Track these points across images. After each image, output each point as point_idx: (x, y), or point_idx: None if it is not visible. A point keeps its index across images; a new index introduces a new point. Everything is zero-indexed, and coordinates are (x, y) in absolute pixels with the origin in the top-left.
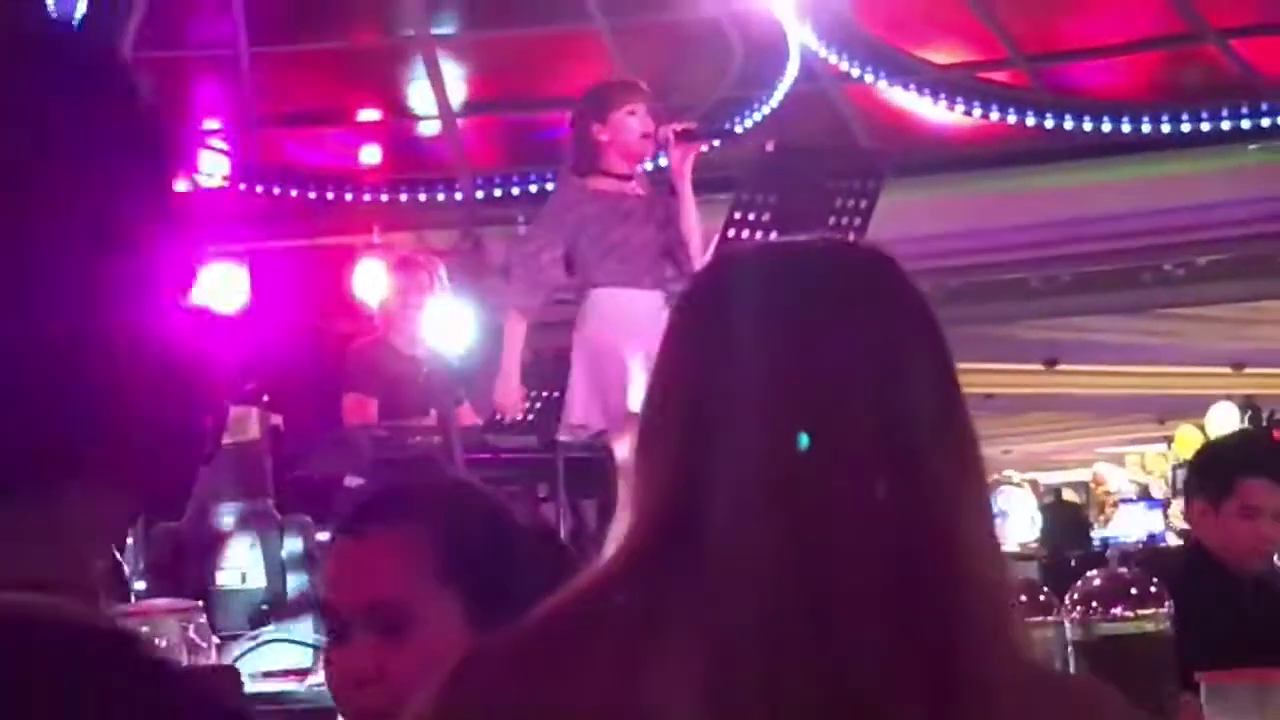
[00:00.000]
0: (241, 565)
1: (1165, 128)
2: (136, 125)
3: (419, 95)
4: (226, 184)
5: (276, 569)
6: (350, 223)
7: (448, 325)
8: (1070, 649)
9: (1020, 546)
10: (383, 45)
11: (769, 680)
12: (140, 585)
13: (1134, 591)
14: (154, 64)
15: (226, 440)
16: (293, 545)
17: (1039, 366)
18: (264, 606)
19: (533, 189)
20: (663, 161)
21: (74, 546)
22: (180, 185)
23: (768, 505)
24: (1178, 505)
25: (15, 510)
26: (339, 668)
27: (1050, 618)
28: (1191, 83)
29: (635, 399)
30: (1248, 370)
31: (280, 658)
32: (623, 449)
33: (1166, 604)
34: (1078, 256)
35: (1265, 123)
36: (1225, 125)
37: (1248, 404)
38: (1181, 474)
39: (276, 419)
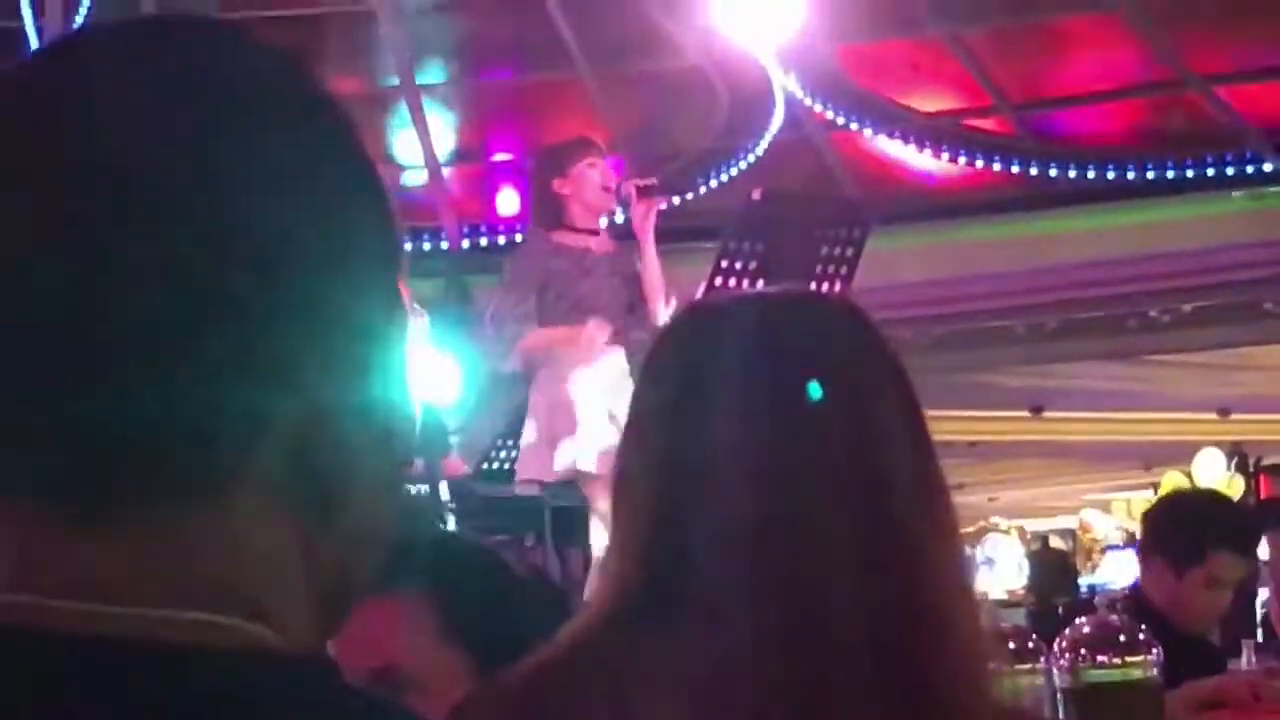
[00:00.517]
0: None
1: (1150, 174)
2: (365, 166)
3: (404, 144)
4: None
5: None
6: None
7: (432, 375)
8: (1059, 696)
9: (1007, 593)
10: (368, 94)
11: None
12: None
13: (1122, 638)
14: None
15: None
16: None
17: (1025, 413)
18: None
19: (518, 238)
20: (619, 218)
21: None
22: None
23: (747, 559)
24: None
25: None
26: None
27: (1038, 664)
28: (1176, 130)
29: (590, 454)
30: (1234, 416)
31: None
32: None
33: (1154, 651)
34: (1063, 303)
35: (1250, 169)
36: (1210, 172)
37: (1234, 450)
38: None
39: None
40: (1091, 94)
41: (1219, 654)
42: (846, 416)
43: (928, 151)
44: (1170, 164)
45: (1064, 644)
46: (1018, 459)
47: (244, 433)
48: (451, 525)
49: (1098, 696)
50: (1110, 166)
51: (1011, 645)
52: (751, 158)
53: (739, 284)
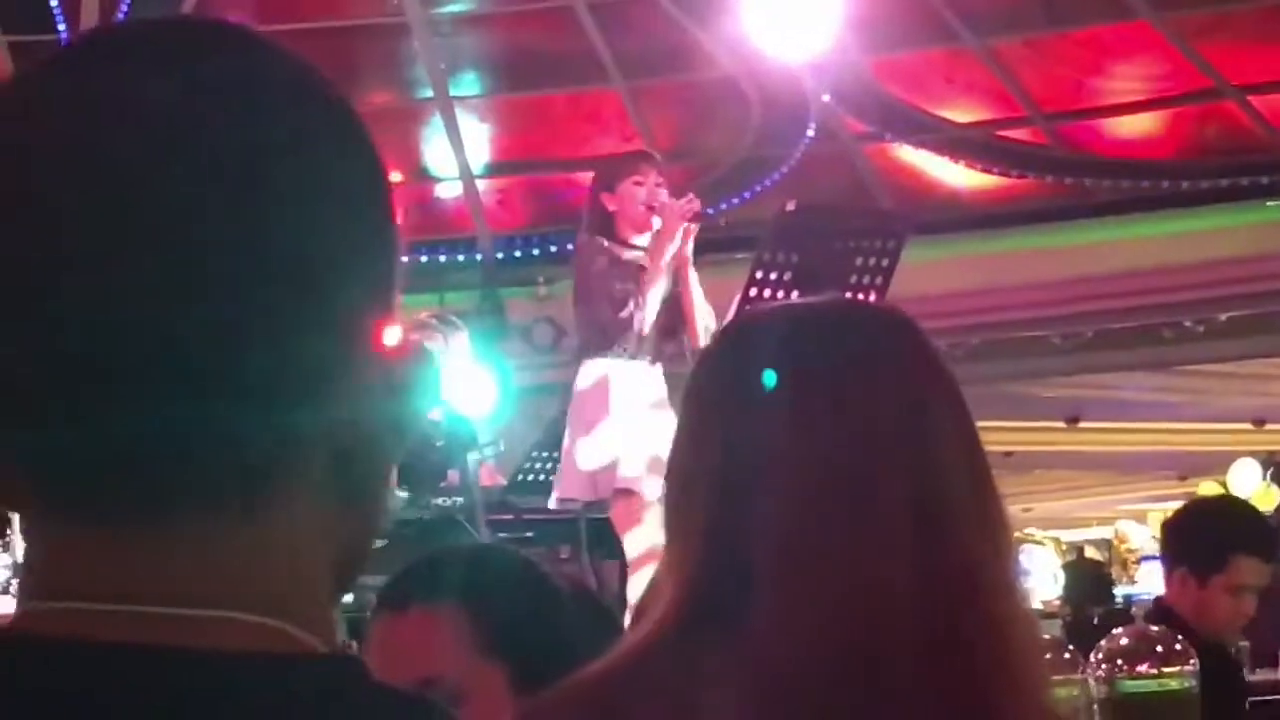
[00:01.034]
0: None
1: (1185, 184)
2: (382, 173)
3: (438, 156)
4: None
5: None
6: None
7: (469, 387)
8: (1095, 707)
9: (1043, 604)
10: (401, 106)
11: None
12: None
13: (1159, 649)
14: None
15: None
16: None
17: (1060, 424)
18: None
19: (553, 249)
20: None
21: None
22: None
23: (806, 572)
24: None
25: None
26: None
27: (1075, 675)
28: (1211, 140)
29: (626, 474)
30: (1269, 426)
31: None
32: (619, 519)
33: (1191, 662)
34: (1098, 314)
35: None
36: (1245, 181)
37: (1269, 460)
38: None
39: None
40: (1126, 104)
41: (1238, 665)
42: (903, 427)
43: (961, 162)
44: (1205, 174)
45: (1100, 655)
46: (1053, 469)
47: (283, 442)
48: (487, 537)
49: (1135, 707)
50: (1145, 177)
51: (1048, 656)
52: (785, 169)
53: (773, 295)
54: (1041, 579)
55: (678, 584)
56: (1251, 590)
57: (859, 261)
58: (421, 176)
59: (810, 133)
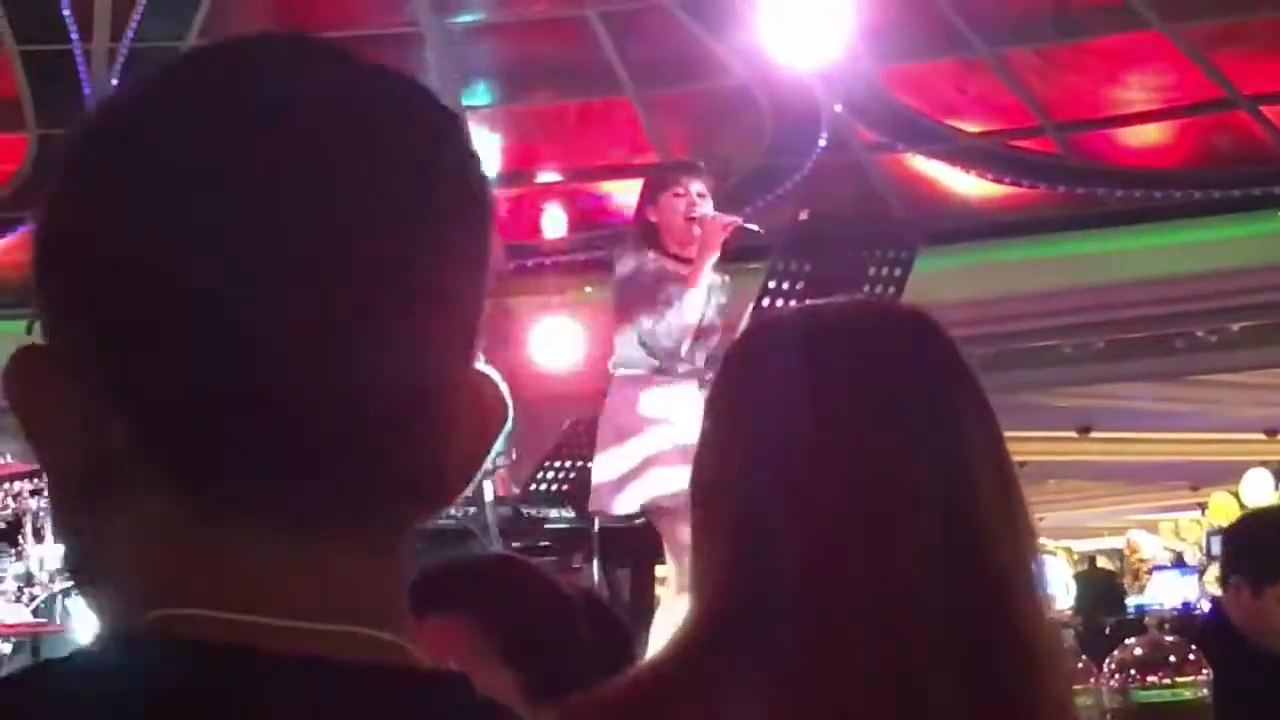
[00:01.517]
0: None
1: (1196, 194)
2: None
3: None
4: None
5: None
6: None
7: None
8: (1108, 717)
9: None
10: None
11: None
12: None
13: (1172, 659)
14: None
15: None
16: None
17: (1072, 434)
18: None
19: (563, 260)
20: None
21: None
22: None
23: (837, 576)
24: (1212, 572)
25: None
26: None
27: (1087, 685)
28: (1223, 149)
29: (663, 489)
30: None
31: None
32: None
33: (1204, 672)
34: (1110, 324)
35: None
36: (1257, 191)
37: None
38: (1216, 541)
39: None
40: (1138, 114)
41: None
42: (932, 428)
43: (973, 172)
44: (1217, 184)
45: (1113, 665)
46: (1065, 479)
47: (422, 467)
48: (499, 547)
49: (1148, 717)
50: (1156, 186)
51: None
52: (797, 178)
53: (786, 304)
54: (1053, 589)
55: (707, 594)
56: None
57: (872, 271)
58: None
59: (822, 142)
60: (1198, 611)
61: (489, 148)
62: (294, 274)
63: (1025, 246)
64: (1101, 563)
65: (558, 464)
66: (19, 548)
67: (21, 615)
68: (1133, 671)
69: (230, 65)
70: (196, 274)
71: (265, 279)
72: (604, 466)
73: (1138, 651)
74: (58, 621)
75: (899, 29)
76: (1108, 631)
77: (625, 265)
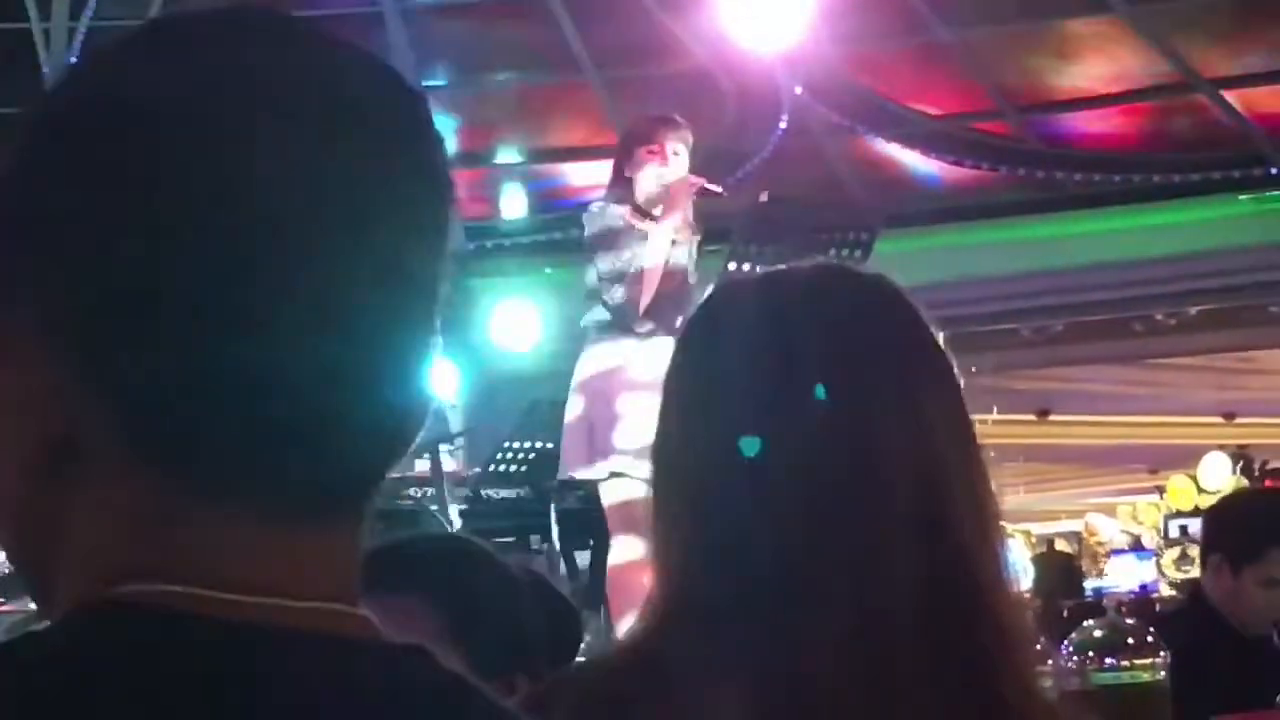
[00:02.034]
0: None
1: (1156, 178)
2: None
3: None
4: None
5: None
6: None
7: (436, 374)
8: (1066, 699)
9: None
10: None
11: None
12: None
13: (1130, 641)
14: None
15: None
16: None
17: (1030, 417)
18: None
19: (523, 240)
20: None
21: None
22: None
23: (807, 553)
24: (1170, 555)
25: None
26: None
27: (1045, 667)
28: (1182, 133)
29: (626, 447)
30: (1239, 420)
31: None
32: (609, 495)
33: (1162, 654)
34: (1069, 307)
35: (1256, 172)
36: (1216, 175)
37: (1239, 454)
38: (1174, 524)
39: None
40: (1097, 97)
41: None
42: (900, 396)
43: (933, 155)
44: (1176, 167)
45: (1071, 647)
46: (1023, 462)
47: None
48: (457, 527)
49: (1105, 699)
50: (1116, 170)
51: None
52: (758, 161)
53: None
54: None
55: (672, 572)
56: None
57: (831, 253)
58: None
59: (783, 125)
60: (1155, 595)
61: (448, 128)
62: (266, 253)
63: (984, 230)
64: (1060, 546)
65: (516, 445)
66: None
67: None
68: (1091, 653)
69: (197, 40)
70: (172, 254)
71: (239, 258)
72: (577, 430)
73: (1096, 634)
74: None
75: (859, 12)
76: (1066, 614)
77: (591, 221)
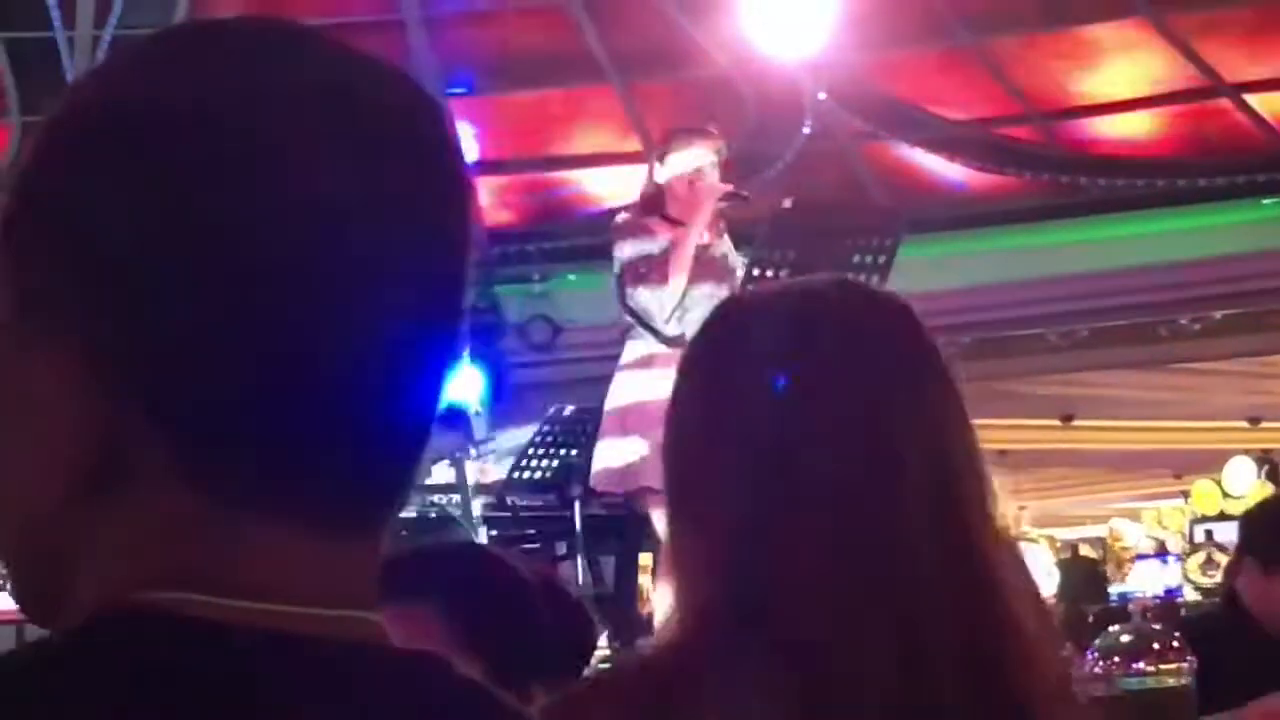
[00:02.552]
0: None
1: (1180, 182)
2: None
3: None
4: None
5: None
6: None
7: (462, 382)
8: (1092, 704)
9: None
10: None
11: None
12: None
13: (1156, 646)
14: None
15: None
16: None
17: (1055, 422)
18: None
19: (547, 247)
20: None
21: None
22: None
23: (833, 570)
24: (1194, 560)
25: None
26: None
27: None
28: (1207, 138)
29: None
30: (1264, 425)
31: None
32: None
33: (1188, 659)
34: (1094, 312)
35: None
36: (1240, 180)
37: (1264, 458)
38: (1199, 529)
39: None
40: (1122, 103)
41: None
42: (916, 408)
43: (957, 160)
44: (1201, 172)
45: (1097, 652)
46: (1048, 467)
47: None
48: (482, 535)
49: (1132, 705)
50: (1140, 175)
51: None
52: (781, 166)
53: None
54: (1036, 576)
55: (703, 580)
56: None
57: (855, 259)
58: None
59: (806, 130)
60: (1180, 599)
61: (469, 136)
62: (301, 268)
63: (1008, 235)
64: (1084, 551)
65: (540, 452)
66: None
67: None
68: (1117, 659)
69: (217, 50)
70: (217, 273)
71: (278, 275)
72: (608, 443)
73: (1122, 639)
74: None
75: (883, 18)
76: (1091, 619)
77: (618, 230)
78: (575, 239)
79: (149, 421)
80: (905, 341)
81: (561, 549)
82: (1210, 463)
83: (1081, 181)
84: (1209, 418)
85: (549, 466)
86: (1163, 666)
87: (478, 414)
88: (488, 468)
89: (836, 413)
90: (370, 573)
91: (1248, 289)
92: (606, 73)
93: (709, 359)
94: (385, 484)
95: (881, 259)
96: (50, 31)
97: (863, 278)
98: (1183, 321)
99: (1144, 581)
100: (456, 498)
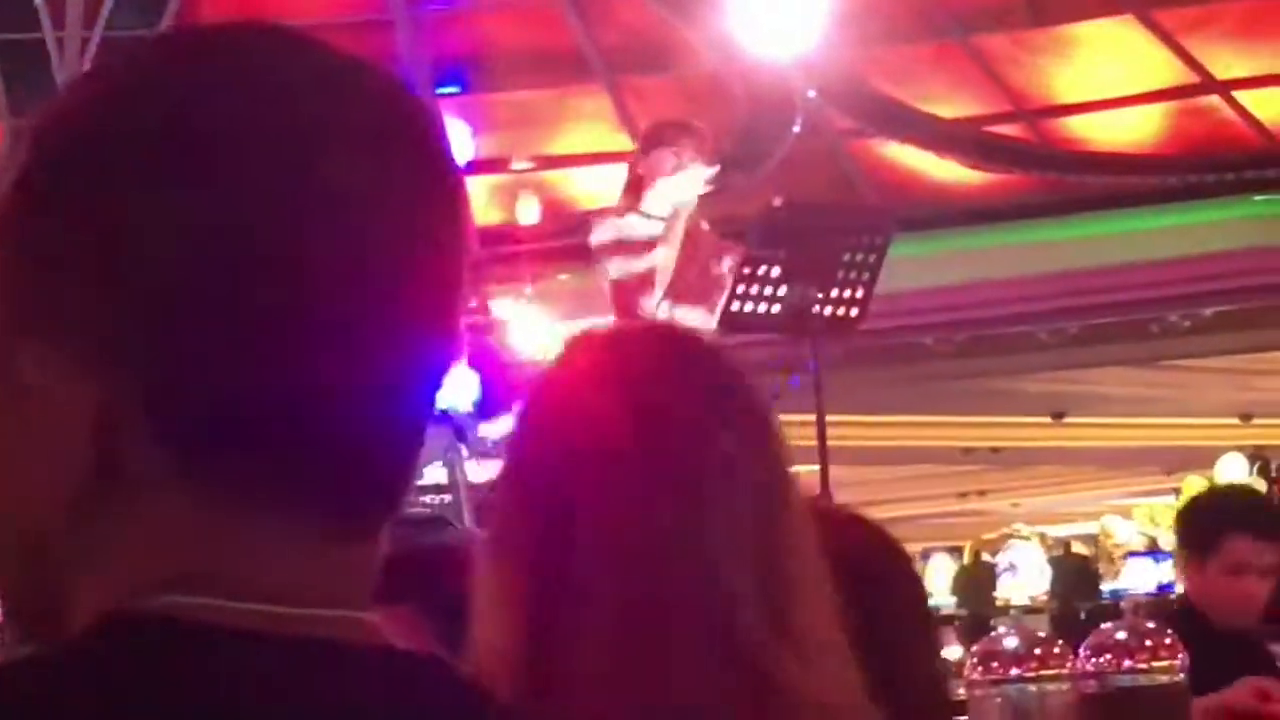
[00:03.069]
0: None
1: (1170, 180)
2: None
3: None
4: None
5: None
6: None
7: (455, 382)
8: (1084, 701)
9: (1030, 599)
10: None
11: None
12: None
13: (1149, 643)
14: None
15: None
16: None
17: (1046, 419)
18: None
19: (537, 248)
20: None
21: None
22: None
23: (660, 586)
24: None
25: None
26: None
27: (1063, 670)
28: (1196, 135)
29: None
30: (1256, 421)
31: None
32: None
33: (1180, 656)
34: (1084, 309)
35: (1270, 173)
36: (1230, 177)
37: (1256, 455)
38: None
39: None
40: (1111, 100)
41: (1265, 649)
42: (759, 511)
43: (947, 158)
44: (1191, 169)
45: (1090, 649)
46: (1039, 465)
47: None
48: (474, 534)
49: (1125, 701)
50: (1130, 172)
51: (1037, 651)
52: (771, 164)
53: (760, 291)
54: (1028, 574)
55: (503, 638)
56: (1253, 570)
57: (846, 258)
58: None
59: (796, 129)
60: (1172, 596)
61: (460, 136)
62: (303, 272)
63: (999, 232)
64: (1076, 548)
65: None
66: None
67: None
68: (1109, 656)
69: (207, 55)
70: (223, 277)
71: (284, 279)
72: None
73: (1115, 636)
74: None
75: (872, 15)
76: (1083, 616)
77: (602, 229)
78: (565, 238)
79: (149, 424)
80: (696, 385)
81: None
82: (1202, 459)
83: (1071, 179)
84: (1200, 414)
85: None
86: (1155, 663)
87: (470, 414)
88: (479, 467)
89: (681, 528)
90: (369, 574)
91: (1238, 286)
92: (595, 71)
93: (536, 429)
94: (384, 484)
95: (872, 257)
96: (40, 33)
97: (853, 276)
98: (1173, 318)
99: (1136, 579)
100: (448, 498)
